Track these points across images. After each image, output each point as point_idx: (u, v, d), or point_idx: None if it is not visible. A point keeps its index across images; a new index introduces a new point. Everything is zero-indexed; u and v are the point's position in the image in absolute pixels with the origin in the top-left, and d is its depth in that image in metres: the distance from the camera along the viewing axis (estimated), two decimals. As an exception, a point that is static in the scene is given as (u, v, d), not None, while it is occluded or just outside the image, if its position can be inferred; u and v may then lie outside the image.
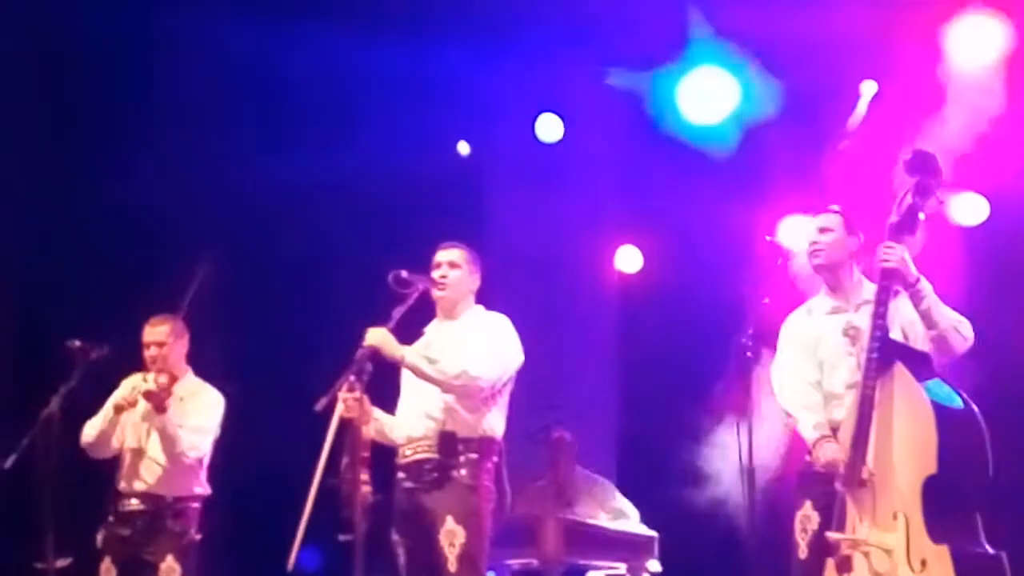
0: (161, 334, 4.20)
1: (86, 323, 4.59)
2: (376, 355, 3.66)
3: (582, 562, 5.40)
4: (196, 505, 4.39)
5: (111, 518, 4.29)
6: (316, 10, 5.41)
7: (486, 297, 3.89)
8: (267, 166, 5.71)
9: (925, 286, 3.27)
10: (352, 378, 3.57)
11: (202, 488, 4.38)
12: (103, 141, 5.70)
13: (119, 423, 4.26)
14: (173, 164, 5.73)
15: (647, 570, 5.45)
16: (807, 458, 3.52)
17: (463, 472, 3.62)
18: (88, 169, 5.66)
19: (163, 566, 4.22)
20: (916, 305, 3.23)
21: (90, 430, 4.22)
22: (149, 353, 4.16)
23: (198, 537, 4.35)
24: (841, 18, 4.90)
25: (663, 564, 5.51)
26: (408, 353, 3.66)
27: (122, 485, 4.30)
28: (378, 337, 3.61)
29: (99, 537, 4.31)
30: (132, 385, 4.24)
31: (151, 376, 4.14)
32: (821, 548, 3.36)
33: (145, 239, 5.77)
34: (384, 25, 5.56)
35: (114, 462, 4.39)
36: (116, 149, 5.68)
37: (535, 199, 6.50)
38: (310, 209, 5.91)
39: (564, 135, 6.27)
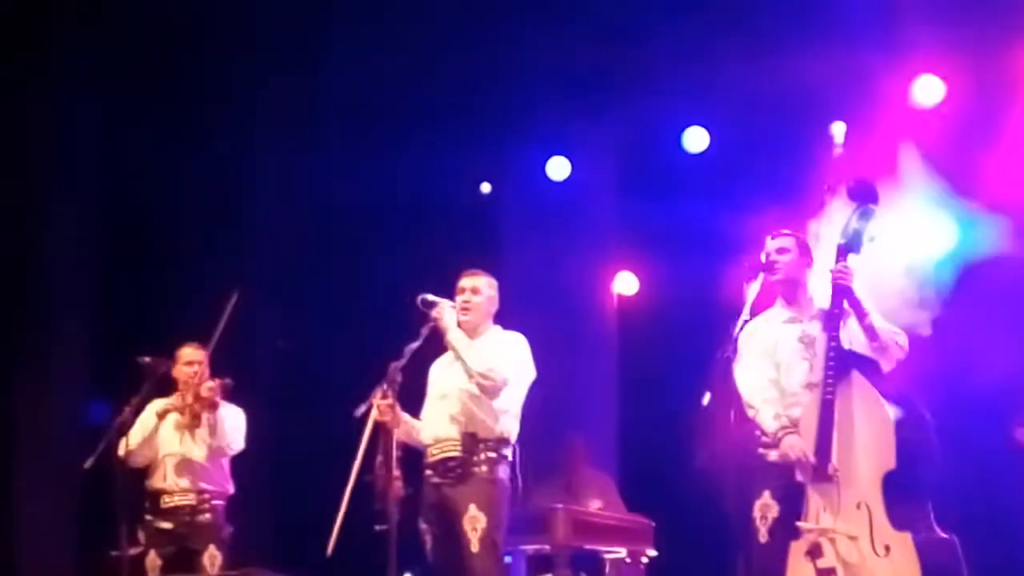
0: (201, 355, 4.46)
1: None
2: (434, 331, 3.83)
3: (588, 547, 5.30)
4: (224, 502, 4.65)
5: (148, 516, 4.52)
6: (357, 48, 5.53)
7: (500, 317, 4.03)
8: (306, 199, 5.92)
9: (869, 303, 3.43)
10: (385, 387, 3.74)
11: (231, 486, 4.62)
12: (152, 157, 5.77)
13: (157, 432, 4.52)
14: (219, 190, 5.86)
15: (645, 554, 5.41)
16: (760, 451, 3.65)
17: (483, 468, 3.77)
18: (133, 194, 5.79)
19: (206, 555, 4.46)
20: (860, 320, 3.38)
21: (132, 440, 4.42)
22: (191, 370, 4.45)
23: (230, 529, 4.63)
24: (816, 74, 5.09)
25: (658, 549, 5.48)
26: (454, 331, 3.81)
27: (164, 484, 4.54)
28: (445, 309, 3.80)
29: (141, 534, 4.52)
30: (170, 401, 4.53)
31: (205, 385, 4.41)
32: (783, 534, 3.49)
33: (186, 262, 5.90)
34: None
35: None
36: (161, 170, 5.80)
37: (545, 230, 6.59)
38: (348, 238, 6.06)
39: (570, 175, 6.36)
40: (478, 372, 3.75)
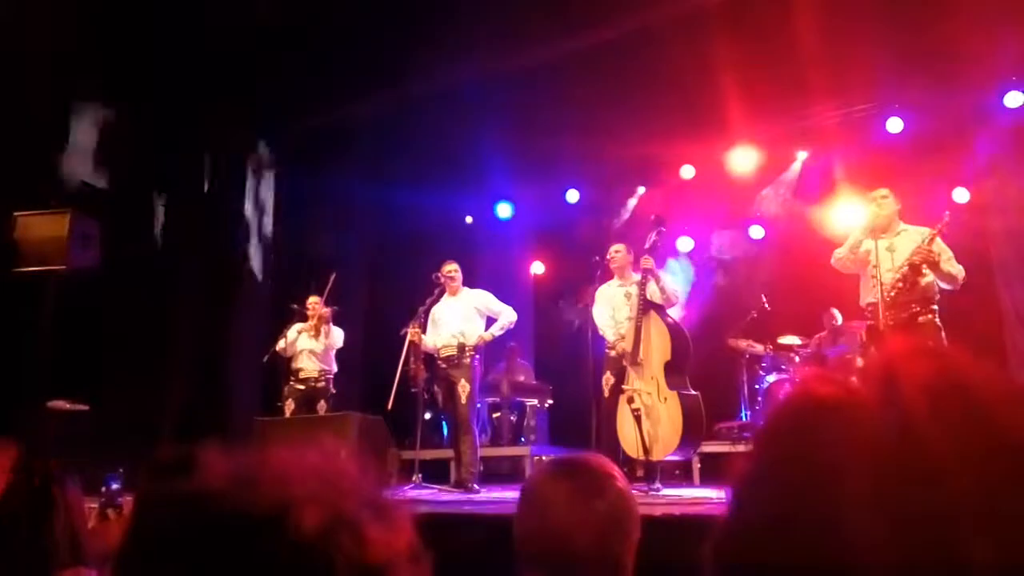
0: (318, 300, 5.87)
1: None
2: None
3: (518, 399, 6.80)
4: (331, 376, 6.05)
5: (291, 381, 5.85)
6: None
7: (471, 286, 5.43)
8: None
9: (661, 276, 4.81)
10: (414, 321, 5.18)
11: (335, 367, 5.95)
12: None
13: (297, 338, 5.87)
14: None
15: (547, 403, 6.91)
16: (606, 350, 4.97)
17: (467, 360, 5.15)
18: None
19: (319, 405, 5.79)
20: (656, 284, 4.79)
21: (282, 344, 5.81)
22: (312, 307, 5.86)
23: (334, 391, 6.06)
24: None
25: (553, 400, 6.98)
26: (493, 332, 5.20)
27: (299, 365, 5.83)
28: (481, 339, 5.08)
29: (284, 391, 5.87)
30: (304, 324, 5.84)
31: (323, 310, 5.73)
32: (616, 392, 4.76)
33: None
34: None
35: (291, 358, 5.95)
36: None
37: (501, 241, 8.02)
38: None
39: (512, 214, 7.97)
40: (512, 320, 5.15)
